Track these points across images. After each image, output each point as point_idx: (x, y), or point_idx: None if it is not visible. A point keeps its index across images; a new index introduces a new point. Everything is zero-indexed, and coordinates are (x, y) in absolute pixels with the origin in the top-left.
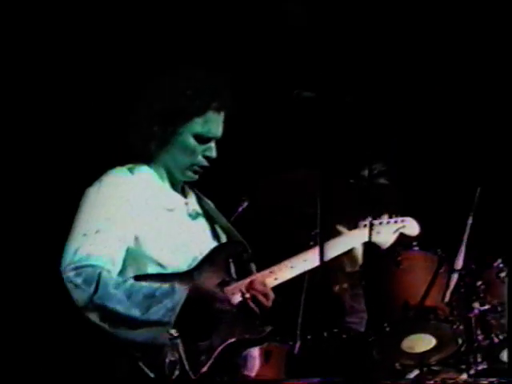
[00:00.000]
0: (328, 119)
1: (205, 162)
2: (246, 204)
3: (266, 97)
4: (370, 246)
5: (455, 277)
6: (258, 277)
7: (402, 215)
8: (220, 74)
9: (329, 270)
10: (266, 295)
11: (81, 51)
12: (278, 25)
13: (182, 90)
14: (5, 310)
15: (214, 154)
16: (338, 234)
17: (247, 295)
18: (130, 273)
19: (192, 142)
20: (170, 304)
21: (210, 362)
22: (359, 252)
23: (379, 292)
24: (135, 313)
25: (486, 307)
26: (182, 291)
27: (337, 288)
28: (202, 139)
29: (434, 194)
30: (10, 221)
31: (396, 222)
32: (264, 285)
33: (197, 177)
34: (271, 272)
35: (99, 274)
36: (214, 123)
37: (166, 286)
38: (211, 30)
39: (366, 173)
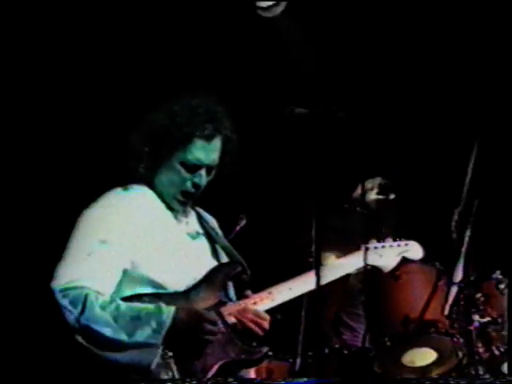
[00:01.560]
0: (321, 135)
1: (192, 190)
2: (244, 222)
3: (259, 114)
4: (370, 270)
5: (454, 289)
6: (250, 302)
7: (401, 231)
8: (217, 101)
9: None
10: (256, 323)
11: (87, 77)
12: (270, 41)
13: (172, 117)
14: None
15: (202, 181)
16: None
17: (238, 322)
18: (128, 292)
19: (179, 168)
20: (155, 325)
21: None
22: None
23: (379, 306)
24: (121, 336)
25: (486, 319)
26: (168, 312)
27: (334, 307)
28: (189, 167)
29: (431, 206)
30: (9, 238)
31: (399, 245)
32: (255, 312)
33: (185, 204)
34: (269, 293)
35: (86, 296)
36: (202, 151)
37: (151, 306)
38: (204, 51)
39: (359, 194)
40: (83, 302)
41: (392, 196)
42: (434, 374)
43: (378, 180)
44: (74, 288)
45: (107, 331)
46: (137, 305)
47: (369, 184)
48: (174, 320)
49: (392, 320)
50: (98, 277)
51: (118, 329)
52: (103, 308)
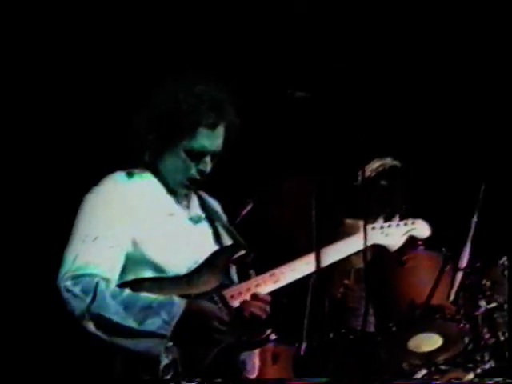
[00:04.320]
0: (323, 118)
1: (197, 177)
2: (250, 206)
3: (260, 97)
4: (376, 252)
5: (460, 275)
6: (253, 284)
7: (409, 214)
8: (221, 88)
9: (332, 272)
10: (259, 306)
11: (86, 57)
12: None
13: (177, 104)
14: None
15: (207, 168)
16: (352, 229)
17: (241, 305)
18: (130, 276)
19: (184, 156)
20: (166, 316)
21: (206, 364)
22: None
23: (384, 292)
24: (131, 323)
25: (492, 305)
26: (179, 304)
27: (340, 290)
28: (194, 155)
29: (438, 192)
30: (8, 228)
31: (406, 224)
32: (257, 295)
33: (191, 189)
34: (272, 275)
35: (97, 284)
36: (207, 139)
37: (163, 297)
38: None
39: (367, 173)
40: (94, 290)
41: (400, 178)
42: (440, 359)
43: (387, 160)
44: (85, 275)
45: (117, 319)
46: (148, 295)
47: (377, 164)
48: (185, 313)
49: (398, 305)
50: (106, 262)
51: (128, 317)
52: (114, 297)
